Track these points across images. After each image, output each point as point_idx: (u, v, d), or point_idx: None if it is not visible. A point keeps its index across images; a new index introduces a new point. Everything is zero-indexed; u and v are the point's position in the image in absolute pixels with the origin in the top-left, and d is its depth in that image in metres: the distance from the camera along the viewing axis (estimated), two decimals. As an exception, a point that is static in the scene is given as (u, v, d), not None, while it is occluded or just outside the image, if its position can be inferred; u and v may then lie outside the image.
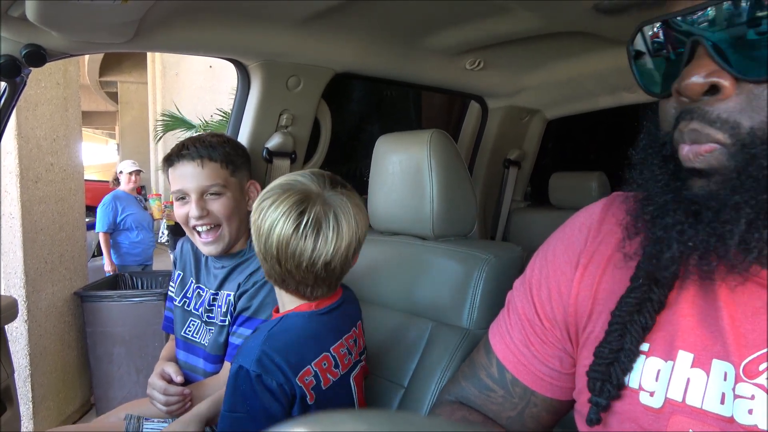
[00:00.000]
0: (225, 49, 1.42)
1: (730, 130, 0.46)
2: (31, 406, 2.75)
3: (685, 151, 0.48)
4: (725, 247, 0.46)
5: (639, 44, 0.54)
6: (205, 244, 1.28)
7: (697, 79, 0.46)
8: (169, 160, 1.28)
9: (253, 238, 0.93)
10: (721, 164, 0.46)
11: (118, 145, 13.19)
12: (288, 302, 0.98)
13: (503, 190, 2.47)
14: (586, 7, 1.28)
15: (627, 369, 0.56)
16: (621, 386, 0.56)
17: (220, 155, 1.27)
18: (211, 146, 1.27)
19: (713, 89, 0.46)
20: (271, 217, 0.89)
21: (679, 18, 0.48)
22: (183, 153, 1.26)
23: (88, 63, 9.61)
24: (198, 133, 1.66)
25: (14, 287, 2.67)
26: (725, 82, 0.46)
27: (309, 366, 0.91)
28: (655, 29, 0.52)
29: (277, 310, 1.01)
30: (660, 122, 0.53)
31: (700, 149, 0.47)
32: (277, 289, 0.98)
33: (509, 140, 2.33)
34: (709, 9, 0.46)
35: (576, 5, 1.29)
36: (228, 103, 4.82)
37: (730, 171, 0.46)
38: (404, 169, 1.31)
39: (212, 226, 1.27)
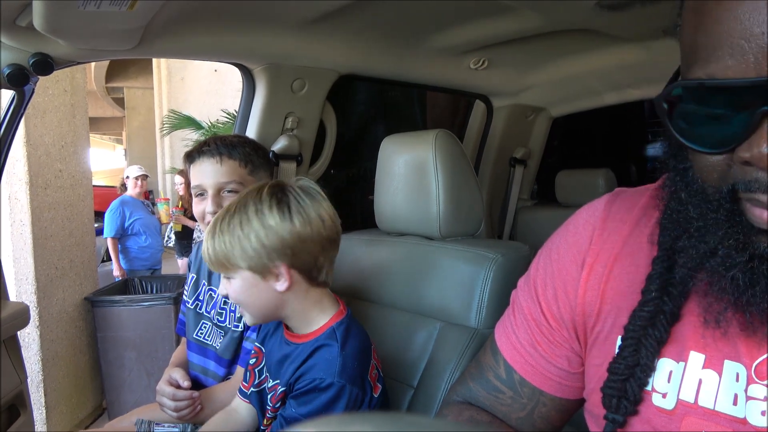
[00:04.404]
0: (229, 53, 1.43)
1: None
2: (44, 411, 2.77)
3: (767, 216, 0.45)
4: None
5: (676, 100, 0.49)
6: None
7: None
8: (190, 156, 1.32)
9: (275, 247, 0.94)
10: None
11: (125, 150, 13.27)
12: (318, 314, 1.01)
13: (509, 189, 2.46)
14: (589, 4, 1.28)
15: (644, 384, 0.56)
16: (638, 402, 0.56)
17: (239, 154, 1.29)
18: (231, 145, 1.30)
19: None
20: (270, 220, 0.94)
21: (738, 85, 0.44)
22: (203, 149, 1.29)
23: (94, 69, 9.68)
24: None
25: (25, 293, 2.69)
26: None
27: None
28: (703, 91, 0.47)
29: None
30: (699, 170, 0.50)
31: None
32: (303, 306, 1.00)
33: (515, 139, 2.33)
34: None
35: (579, 3, 1.28)
36: (233, 106, 4.86)
37: None
38: (410, 170, 1.31)
39: None
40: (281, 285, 0.96)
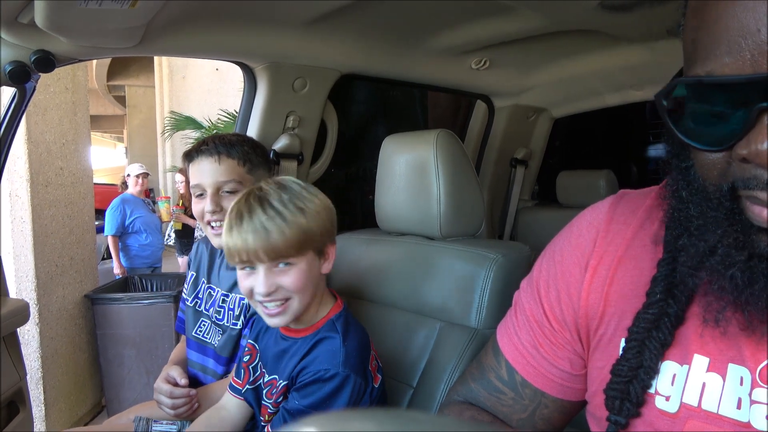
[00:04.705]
0: (231, 51, 1.43)
1: None
2: (43, 408, 2.78)
3: (766, 214, 0.45)
4: None
5: (676, 98, 0.49)
6: (215, 235, 1.29)
7: None
8: (189, 155, 1.32)
9: (334, 225, 1.00)
10: None
11: (126, 148, 13.28)
12: (320, 307, 1.02)
13: (510, 189, 2.47)
14: (592, 5, 1.28)
15: (647, 386, 0.56)
16: (641, 404, 0.56)
17: (238, 153, 1.29)
18: (229, 144, 1.30)
19: None
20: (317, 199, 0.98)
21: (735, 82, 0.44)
22: (202, 149, 1.29)
23: (95, 67, 9.69)
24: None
25: (26, 290, 2.69)
26: None
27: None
28: (702, 89, 0.47)
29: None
30: (700, 168, 0.49)
31: None
32: (319, 293, 1.02)
33: (516, 139, 2.33)
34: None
35: (582, 3, 1.28)
36: (235, 105, 4.87)
37: None
38: (411, 170, 1.31)
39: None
40: (327, 266, 1.00)
